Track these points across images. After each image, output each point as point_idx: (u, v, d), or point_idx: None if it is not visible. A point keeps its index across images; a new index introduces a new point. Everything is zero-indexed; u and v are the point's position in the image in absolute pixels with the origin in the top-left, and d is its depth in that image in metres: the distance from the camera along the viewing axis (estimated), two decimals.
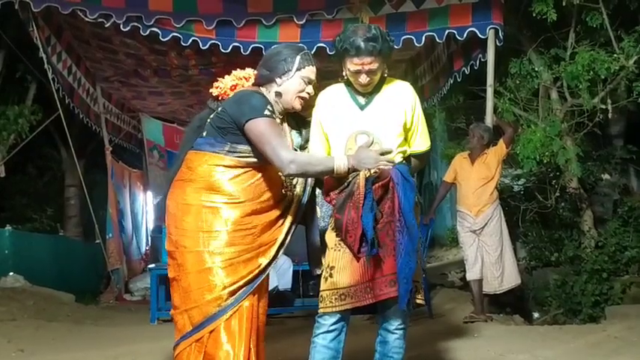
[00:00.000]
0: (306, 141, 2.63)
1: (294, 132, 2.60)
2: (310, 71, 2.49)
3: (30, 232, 8.10)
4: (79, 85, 7.07)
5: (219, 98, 2.54)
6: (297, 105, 2.50)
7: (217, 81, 2.58)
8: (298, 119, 2.64)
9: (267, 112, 2.36)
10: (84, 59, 6.94)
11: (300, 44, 2.60)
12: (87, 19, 5.19)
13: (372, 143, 2.42)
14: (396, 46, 5.33)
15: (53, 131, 8.71)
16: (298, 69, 2.46)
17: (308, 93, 2.50)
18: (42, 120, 7.41)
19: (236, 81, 2.53)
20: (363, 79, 2.41)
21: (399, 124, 2.48)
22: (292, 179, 2.53)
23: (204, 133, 2.45)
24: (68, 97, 6.73)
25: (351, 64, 2.40)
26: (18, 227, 7.96)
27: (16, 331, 4.61)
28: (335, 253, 2.45)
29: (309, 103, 2.54)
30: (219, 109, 2.45)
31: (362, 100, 2.50)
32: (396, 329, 2.49)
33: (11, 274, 6.16)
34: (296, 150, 2.53)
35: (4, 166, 6.93)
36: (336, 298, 2.40)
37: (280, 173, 2.42)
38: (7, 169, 7.14)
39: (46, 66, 5.81)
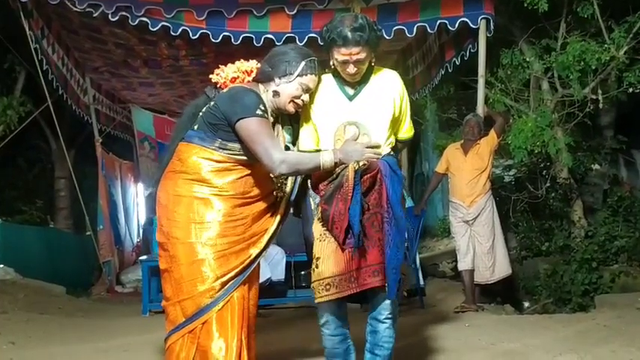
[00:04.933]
0: (297, 137, 2.61)
1: (285, 129, 2.59)
2: (311, 80, 2.46)
3: (20, 225, 8.05)
4: (71, 76, 7.01)
5: (218, 86, 2.52)
6: (291, 109, 2.49)
7: (209, 71, 2.55)
8: (291, 114, 2.59)
9: (258, 112, 2.34)
10: (73, 50, 6.87)
11: (309, 50, 2.54)
12: (75, 9, 5.13)
13: (359, 135, 2.43)
14: (387, 37, 5.35)
15: (43, 123, 8.65)
16: (300, 75, 2.44)
17: (303, 100, 2.47)
18: (31, 111, 7.35)
19: (238, 73, 2.50)
20: (351, 69, 2.41)
21: (388, 114, 2.49)
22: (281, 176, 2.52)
23: (196, 127, 2.44)
24: (62, 89, 6.68)
25: (339, 54, 2.39)
26: (8, 219, 7.91)
27: (7, 323, 4.58)
28: (320, 244, 2.47)
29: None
30: (212, 103, 2.44)
31: (350, 90, 2.50)
32: (386, 318, 2.50)
33: (1, 266, 6.11)
34: (287, 147, 2.53)
35: None
36: (322, 288, 2.43)
37: (271, 174, 2.41)
38: None
39: (39, 57, 5.74)
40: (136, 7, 5.09)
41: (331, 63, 2.47)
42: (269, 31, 5.20)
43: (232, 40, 5.22)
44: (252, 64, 2.53)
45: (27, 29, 5.41)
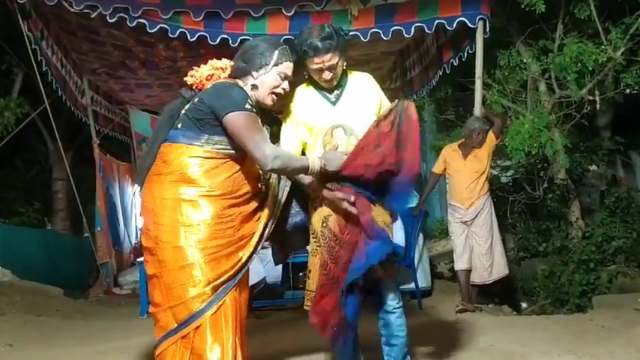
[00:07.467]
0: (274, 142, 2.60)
1: (265, 127, 2.56)
2: (287, 67, 2.48)
3: (17, 226, 8.04)
4: (70, 78, 7.01)
5: (194, 87, 2.51)
6: (269, 101, 2.49)
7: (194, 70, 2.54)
8: (265, 115, 2.59)
9: (247, 107, 2.33)
10: (70, 51, 6.87)
11: (278, 39, 2.59)
12: (72, 9, 5.12)
13: (337, 148, 2.51)
14: (385, 37, 5.37)
15: (40, 124, 8.64)
16: (276, 64, 2.45)
17: (283, 89, 2.49)
18: (28, 113, 7.34)
19: (212, 71, 2.49)
20: (327, 75, 2.53)
21: (371, 112, 2.59)
22: (267, 174, 2.52)
23: (179, 125, 2.41)
24: (61, 90, 6.66)
25: (312, 64, 2.51)
26: (5, 221, 7.90)
27: (5, 325, 4.58)
28: (312, 259, 2.60)
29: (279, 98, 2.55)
30: (196, 99, 2.41)
31: (332, 95, 2.61)
32: (395, 308, 2.59)
33: None
34: None
35: None
36: (309, 299, 2.59)
37: (260, 168, 2.39)
38: None
39: (39, 58, 5.73)
40: (133, 7, 5.08)
41: (305, 74, 2.56)
42: (267, 33, 5.19)
43: (230, 42, 5.22)
44: (226, 62, 2.53)
45: (25, 30, 5.40)
